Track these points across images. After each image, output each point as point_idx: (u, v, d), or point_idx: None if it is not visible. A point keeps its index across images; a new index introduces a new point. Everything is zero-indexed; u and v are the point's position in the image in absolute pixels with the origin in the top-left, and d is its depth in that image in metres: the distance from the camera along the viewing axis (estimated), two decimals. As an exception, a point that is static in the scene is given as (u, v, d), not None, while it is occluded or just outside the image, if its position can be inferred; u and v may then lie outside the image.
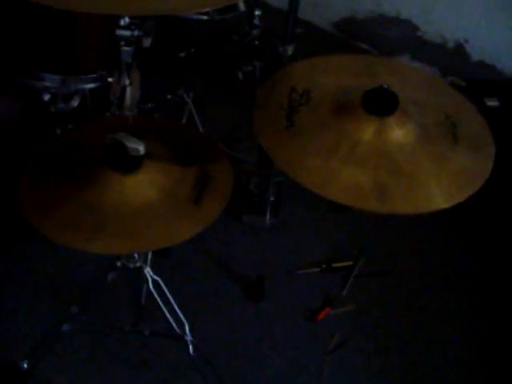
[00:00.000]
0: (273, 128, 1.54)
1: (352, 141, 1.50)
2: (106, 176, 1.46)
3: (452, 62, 3.27)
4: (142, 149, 1.42)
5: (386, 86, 1.51)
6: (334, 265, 2.45)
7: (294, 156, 1.49)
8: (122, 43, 1.46)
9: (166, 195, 1.46)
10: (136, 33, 1.45)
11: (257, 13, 2.55)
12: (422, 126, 1.56)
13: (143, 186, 1.47)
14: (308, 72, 1.71)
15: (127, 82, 1.53)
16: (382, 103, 1.50)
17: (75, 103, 2.07)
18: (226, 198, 1.49)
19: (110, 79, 1.94)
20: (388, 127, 1.52)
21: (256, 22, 2.58)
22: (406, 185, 1.46)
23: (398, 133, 1.52)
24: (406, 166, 1.49)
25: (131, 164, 1.45)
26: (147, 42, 1.50)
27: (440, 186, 1.49)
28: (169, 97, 2.65)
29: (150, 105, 2.21)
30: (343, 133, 1.51)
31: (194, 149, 1.61)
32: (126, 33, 1.44)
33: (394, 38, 3.42)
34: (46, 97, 2.03)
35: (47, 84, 2.00)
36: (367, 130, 1.51)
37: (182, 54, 2.65)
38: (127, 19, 1.44)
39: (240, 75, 2.69)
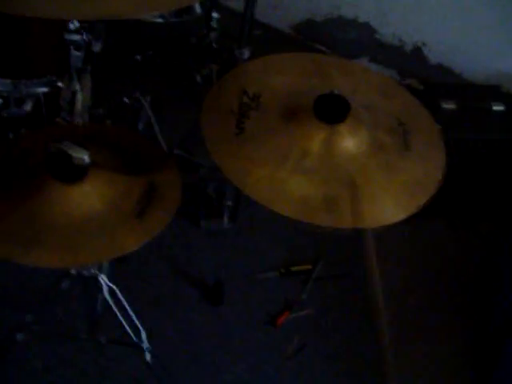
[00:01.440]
0: (222, 135, 1.48)
1: (302, 150, 1.45)
2: (48, 186, 1.41)
3: (410, 65, 3.28)
4: (86, 158, 1.37)
5: (337, 92, 1.47)
6: (293, 268, 2.45)
7: (242, 165, 1.43)
8: (72, 47, 1.43)
9: (109, 207, 1.41)
10: (85, 37, 1.42)
11: (214, 15, 2.53)
12: (373, 133, 1.51)
13: (87, 197, 1.41)
14: (260, 73, 1.65)
15: (77, 87, 1.50)
16: (333, 110, 1.45)
17: (28, 107, 2.03)
18: (170, 212, 1.44)
19: (60, 84, 1.91)
20: (339, 135, 1.47)
21: (213, 24, 2.56)
22: (356, 197, 1.42)
23: (350, 141, 1.47)
24: (357, 177, 1.44)
25: (75, 174, 1.40)
26: (97, 47, 1.47)
27: (392, 198, 1.45)
28: (126, 100, 2.62)
29: (101, 110, 2.17)
30: (293, 141, 1.46)
31: (143, 158, 1.57)
32: (76, 37, 1.42)
33: (353, 40, 3.43)
34: (-2, 101, 1.99)
35: (-2, 88, 1.96)
36: (317, 139, 1.45)
37: (139, 57, 2.62)
38: (76, 23, 1.41)
39: (198, 78, 2.67)
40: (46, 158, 1.38)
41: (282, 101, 1.53)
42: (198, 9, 2.38)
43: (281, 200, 1.39)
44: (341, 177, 1.44)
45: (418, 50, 3.26)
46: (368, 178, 1.45)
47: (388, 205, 1.44)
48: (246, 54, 2.17)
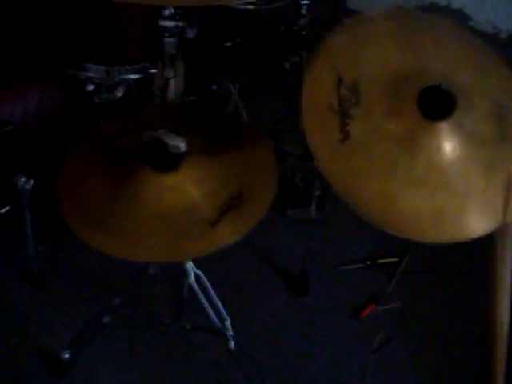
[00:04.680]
0: (327, 142, 1.30)
1: (409, 155, 1.29)
2: (143, 173, 1.40)
3: (505, 53, 3.17)
4: (182, 146, 1.36)
5: (444, 86, 1.31)
6: (379, 261, 2.41)
7: (353, 181, 1.29)
8: (166, 34, 1.43)
9: (205, 196, 1.40)
10: (180, 24, 1.41)
11: (304, 2, 2.50)
12: (472, 125, 1.35)
13: (181, 186, 1.40)
14: (351, 48, 1.42)
15: (171, 74, 1.49)
16: (437, 105, 1.29)
17: (119, 94, 2.05)
18: (267, 203, 1.42)
19: (153, 71, 1.92)
20: (444, 135, 1.30)
21: (303, 11, 2.53)
22: (461, 207, 1.30)
23: (453, 141, 1.31)
24: (458, 184, 1.30)
25: (171, 162, 1.39)
26: (192, 33, 1.47)
27: (493, 203, 1.32)
28: (214, 87, 2.62)
29: (192, 97, 2.17)
30: (400, 145, 1.30)
31: (239, 144, 1.52)
32: (170, 24, 1.41)
33: (445, 28, 3.34)
34: (90, 87, 2.02)
35: (91, 74, 1.99)
36: (424, 139, 1.30)
37: (228, 44, 2.62)
38: (171, 9, 1.40)
39: (287, 66, 2.65)
40: (142, 146, 1.38)
41: (383, 90, 1.34)
42: (288, -5, 2.36)
43: (394, 220, 1.29)
44: (448, 185, 1.31)
45: (513, 38, 3.16)
46: (468, 183, 1.32)
47: (491, 211, 1.33)
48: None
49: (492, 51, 1.59)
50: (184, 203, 1.40)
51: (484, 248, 2.49)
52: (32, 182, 1.89)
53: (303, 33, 2.57)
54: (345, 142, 1.29)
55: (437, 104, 1.31)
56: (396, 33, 1.46)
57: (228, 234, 1.39)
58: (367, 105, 1.33)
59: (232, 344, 2.00)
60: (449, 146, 1.31)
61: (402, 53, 1.41)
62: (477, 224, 1.32)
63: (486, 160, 1.34)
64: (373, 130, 1.32)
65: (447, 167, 1.31)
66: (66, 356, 1.99)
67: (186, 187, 1.41)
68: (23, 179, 1.89)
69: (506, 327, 1.64)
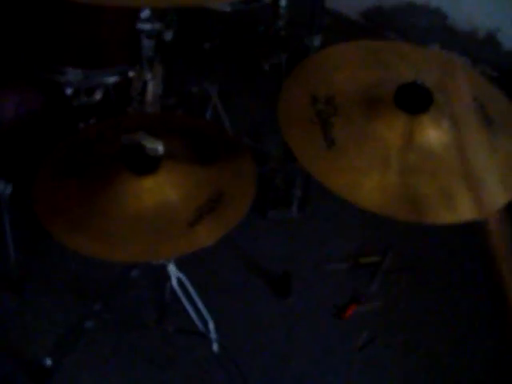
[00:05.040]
0: (315, 151, 1.37)
1: (398, 147, 1.35)
2: (121, 177, 1.40)
3: (483, 52, 3.19)
4: (160, 149, 1.36)
5: (419, 82, 1.38)
6: (362, 260, 2.40)
7: (349, 179, 1.33)
8: (143, 36, 1.42)
9: (182, 199, 1.39)
10: (157, 26, 1.40)
11: (282, 3, 2.50)
12: (455, 115, 1.37)
13: (159, 189, 1.40)
14: (320, 72, 1.54)
15: (149, 76, 1.49)
16: (415, 100, 1.36)
17: (98, 97, 2.04)
18: (246, 205, 1.43)
19: (131, 73, 1.91)
20: (425, 125, 1.38)
21: (281, 11, 2.53)
22: (467, 186, 1.31)
23: (439, 129, 1.38)
24: (458, 164, 1.33)
25: (149, 165, 1.39)
26: (169, 36, 1.46)
27: (498, 178, 1.35)
28: (193, 89, 2.61)
29: (172, 100, 2.16)
30: (386, 139, 1.36)
31: (216, 148, 1.54)
32: (147, 26, 1.40)
33: (423, 27, 3.35)
34: (69, 91, 2.00)
35: (69, 78, 1.98)
36: (411, 132, 1.36)
37: (207, 46, 2.61)
38: (148, 12, 1.40)
39: (266, 66, 2.64)
40: (120, 149, 1.38)
41: (357, 99, 1.44)
42: (264, -4, 2.35)
43: (401, 206, 1.31)
44: (447, 167, 1.36)
45: (491, 36, 3.17)
46: (471, 162, 1.32)
47: (499, 187, 1.35)
48: (317, 42, 2.13)
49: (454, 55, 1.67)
50: (162, 205, 1.40)
51: (464, 246, 2.52)
52: (10, 186, 1.88)
53: (282, 33, 2.57)
54: (332, 148, 1.36)
55: (414, 99, 1.37)
56: (363, 57, 1.56)
57: (206, 235, 1.39)
58: (346, 112, 1.41)
59: (215, 346, 2.00)
60: (435, 135, 1.38)
61: (371, 70, 1.52)
62: (489, 199, 1.30)
63: (480, 142, 1.36)
64: (357, 132, 1.39)
65: (441, 152, 1.37)
66: (49, 362, 1.98)
67: (165, 190, 1.41)
68: (1, 184, 1.87)
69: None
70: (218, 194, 1.43)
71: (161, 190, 1.40)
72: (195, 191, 1.43)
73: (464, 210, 1.32)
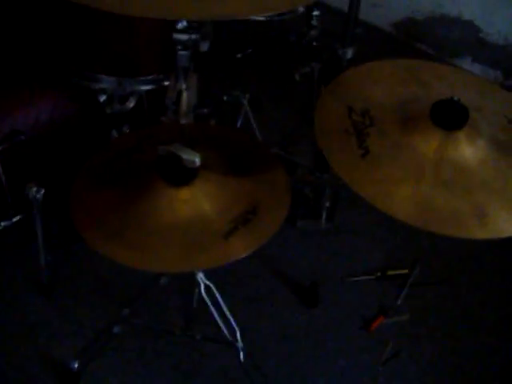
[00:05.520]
0: (349, 159, 1.39)
1: (434, 160, 1.37)
2: (157, 187, 1.42)
3: (515, 65, 3.18)
4: (197, 161, 1.37)
5: (456, 98, 1.39)
6: (389, 272, 2.40)
7: (382, 188, 1.35)
8: (179, 47, 1.43)
9: (218, 211, 1.40)
10: (193, 37, 1.41)
11: (315, 13, 2.51)
12: (490, 133, 1.44)
13: (195, 200, 1.41)
14: (357, 86, 1.57)
15: (183, 86, 1.49)
16: (451, 116, 1.38)
17: (131, 105, 2.06)
18: (258, 241, 1.42)
19: (166, 82, 1.93)
20: (461, 142, 1.39)
21: (314, 22, 2.53)
22: (501, 203, 1.34)
23: (474, 146, 1.40)
24: (494, 181, 1.36)
25: (185, 177, 1.40)
26: (205, 47, 1.46)
27: None
28: (225, 98, 2.63)
29: (205, 110, 2.17)
30: (422, 153, 1.38)
31: (251, 161, 1.55)
32: (183, 37, 1.41)
33: (455, 39, 3.34)
34: (102, 98, 2.03)
35: (103, 85, 2.00)
36: (446, 147, 1.38)
37: (239, 55, 2.62)
38: (185, 23, 1.40)
39: (297, 76, 2.65)
40: (157, 160, 1.39)
41: (394, 112, 1.46)
42: (300, 7, 2.36)
43: (433, 218, 1.32)
44: (481, 183, 1.37)
45: (524, 50, 3.16)
46: (504, 180, 1.38)
47: None
48: (350, 53, 2.14)
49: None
50: (197, 216, 1.40)
51: (494, 261, 2.50)
52: (43, 191, 1.90)
53: (314, 44, 2.58)
54: (366, 157, 1.38)
55: (450, 115, 1.39)
56: (401, 74, 1.59)
57: (240, 248, 1.39)
58: (381, 124, 1.44)
59: (242, 355, 2.00)
60: (469, 152, 1.39)
61: (406, 87, 1.54)
62: None
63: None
64: (391, 144, 1.41)
65: (477, 169, 1.38)
66: (76, 366, 1.99)
67: (200, 201, 1.42)
68: (34, 188, 1.89)
69: None
70: (252, 205, 1.43)
71: (196, 201, 1.41)
72: (230, 202, 1.43)
73: (495, 227, 1.32)
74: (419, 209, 1.32)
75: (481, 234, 1.31)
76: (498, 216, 1.32)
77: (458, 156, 1.38)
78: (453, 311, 2.33)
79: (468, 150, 1.39)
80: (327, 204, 2.43)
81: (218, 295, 1.95)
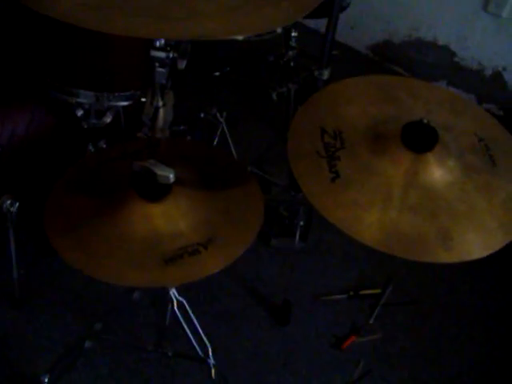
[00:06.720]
0: (319, 182, 1.38)
1: (402, 184, 1.37)
2: (131, 202, 1.42)
3: (489, 90, 3.23)
4: (171, 177, 1.38)
5: (425, 121, 1.39)
6: (362, 292, 2.42)
7: (350, 213, 1.34)
8: (157, 64, 1.44)
9: (191, 226, 1.40)
10: (171, 55, 1.43)
11: (293, 34, 2.54)
12: (461, 155, 1.44)
13: (169, 215, 1.41)
14: (330, 106, 1.56)
15: (160, 103, 1.50)
16: (421, 138, 1.38)
17: (108, 119, 2.07)
18: (230, 257, 1.43)
19: (143, 99, 1.94)
20: (430, 164, 1.39)
21: (292, 43, 2.57)
22: (467, 226, 1.34)
23: (443, 168, 1.40)
24: (460, 204, 1.37)
25: (160, 192, 1.41)
26: (182, 64, 1.47)
27: (498, 220, 1.37)
28: (202, 115, 2.64)
29: (182, 127, 2.19)
30: (391, 176, 1.38)
31: (224, 177, 1.56)
32: (161, 54, 1.42)
33: (431, 63, 3.39)
34: (79, 112, 2.04)
35: (81, 100, 2.01)
36: (415, 171, 1.38)
37: (217, 73, 2.64)
38: (162, 40, 1.42)
39: (274, 96, 2.67)
40: (131, 175, 1.40)
41: (365, 133, 1.46)
42: (278, 28, 2.38)
43: (399, 243, 1.32)
44: (448, 207, 1.37)
45: (497, 75, 3.21)
46: (470, 203, 1.38)
47: (496, 229, 1.36)
48: (326, 74, 2.16)
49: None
50: (170, 231, 1.41)
51: (464, 282, 2.53)
52: (17, 204, 1.89)
53: (291, 64, 2.60)
54: (335, 181, 1.38)
55: (420, 138, 1.39)
56: (374, 92, 1.59)
57: (213, 263, 1.40)
58: (352, 147, 1.44)
59: (213, 372, 2.00)
60: (438, 174, 1.40)
61: (380, 106, 1.54)
62: (487, 242, 1.35)
63: (483, 183, 1.42)
64: (361, 167, 1.40)
65: (444, 192, 1.38)
66: (46, 380, 1.97)
67: (173, 216, 1.42)
68: (9, 201, 1.89)
69: None
70: (225, 221, 1.44)
71: (169, 216, 1.41)
72: (203, 218, 1.44)
73: (461, 251, 1.33)
74: (385, 234, 1.32)
75: (446, 257, 1.31)
76: (463, 239, 1.33)
77: (427, 179, 1.39)
78: (424, 331, 2.36)
79: (436, 173, 1.39)
80: (301, 223, 2.44)
81: (190, 312, 1.95)
